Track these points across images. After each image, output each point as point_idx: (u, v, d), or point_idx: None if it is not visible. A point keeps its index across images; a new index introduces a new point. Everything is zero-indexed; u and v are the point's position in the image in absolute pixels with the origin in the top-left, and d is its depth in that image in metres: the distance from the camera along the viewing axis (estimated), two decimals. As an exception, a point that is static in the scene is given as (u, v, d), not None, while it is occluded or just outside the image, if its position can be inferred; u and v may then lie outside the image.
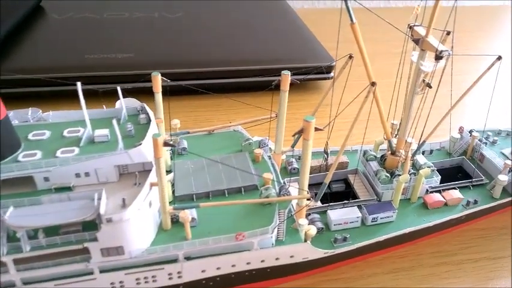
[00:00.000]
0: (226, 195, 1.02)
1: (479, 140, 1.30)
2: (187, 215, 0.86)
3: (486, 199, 1.18)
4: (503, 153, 1.27)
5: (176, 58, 1.81)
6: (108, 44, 1.86)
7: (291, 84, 1.08)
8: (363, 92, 1.00)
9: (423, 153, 1.34)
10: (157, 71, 1.08)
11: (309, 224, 1.04)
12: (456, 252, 1.20)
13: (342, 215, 1.08)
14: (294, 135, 0.95)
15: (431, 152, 1.34)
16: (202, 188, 1.01)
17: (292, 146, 1.24)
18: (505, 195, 1.19)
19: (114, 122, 0.86)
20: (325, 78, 1.96)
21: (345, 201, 1.14)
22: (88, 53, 1.76)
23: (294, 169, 1.26)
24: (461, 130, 1.35)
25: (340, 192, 1.25)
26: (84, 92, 0.90)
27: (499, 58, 1.02)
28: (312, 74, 1.83)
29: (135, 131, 0.95)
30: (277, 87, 1.10)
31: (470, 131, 1.32)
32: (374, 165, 1.18)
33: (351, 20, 0.93)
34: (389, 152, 1.17)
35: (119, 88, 0.95)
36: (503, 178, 1.14)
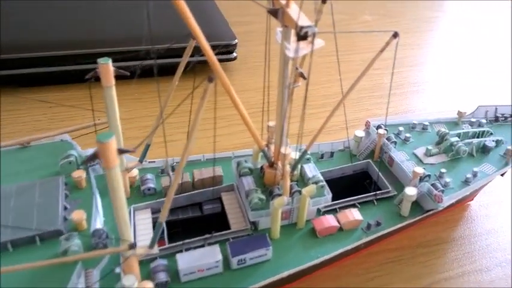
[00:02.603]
0: (10, 250, 0.69)
1: (387, 138, 1.03)
2: None
3: (392, 218, 0.92)
4: (415, 155, 1.01)
5: (31, 39, 1.42)
6: None
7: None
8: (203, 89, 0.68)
9: (322, 156, 1.06)
10: None
11: (150, 277, 0.74)
12: (359, 287, 0.94)
13: (195, 259, 0.78)
14: (84, 164, 0.63)
15: (332, 154, 1.06)
16: (-32, 243, 0.67)
17: (140, 161, 0.91)
18: (417, 211, 0.93)
19: None
20: (227, 60, 1.64)
21: (207, 236, 0.84)
22: None
23: (149, 189, 0.94)
24: (367, 126, 1.08)
25: (215, 216, 0.96)
26: None
27: (395, 35, 0.74)
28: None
29: None
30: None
31: (378, 127, 1.05)
32: (248, 182, 0.88)
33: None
34: (267, 165, 0.88)
35: None
36: (411, 192, 0.88)
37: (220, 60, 1.77)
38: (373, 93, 1.59)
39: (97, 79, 0.77)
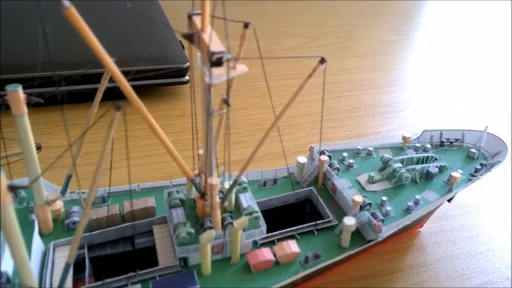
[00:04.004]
0: None
1: (329, 164, 1.00)
2: None
3: (332, 249, 0.87)
4: (358, 182, 0.98)
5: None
6: None
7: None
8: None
9: (265, 184, 1.02)
10: None
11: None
12: (299, 324, 0.89)
13: (109, 302, 0.71)
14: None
15: (275, 181, 1.02)
16: None
17: (62, 192, 0.85)
18: (358, 242, 0.89)
19: None
20: (179, 83, 1.60)
21: (130, 274, 0.77)
22: None
23: (74, 223, 0.88)
24: (311, 151, 1.04)
25: (148, 250, 0.89)
26: None
27: (322, 61, 0.71)
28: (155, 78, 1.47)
29: None
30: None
31: (321, 153, 1.01)
32: (178, 214, 0.83)
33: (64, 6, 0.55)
34: (198, 195, 0.83)
35: None
36: (350, 222, 0.84)
37: (171, 84, 1.73)
38: (327, 116, 1.57)
39: (8, 107, 0.72)
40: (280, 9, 2.75)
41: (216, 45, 0.60)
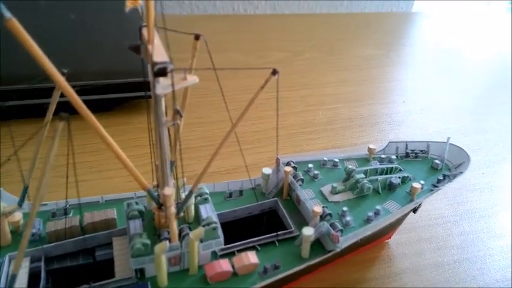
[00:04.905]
0: None
1: (294, 175, 1.00)
2: None
3: (292, 260, 0.87)
4: (321, 193, 0.98)
5: None
6: None
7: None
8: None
9: (230, 195, 1.02)
10: None
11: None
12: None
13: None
14: None
15: (241, 193, 1.02)
16: None
17: (19, 204, 0.85)
18: (319, 252, 0.89)
19: None
20: (143, 97, 1.61)
21: (84, 286, 0.77)
22: None
23: (32, 235, 0.87)
24: (277, 163, 1.05)
25: (109, 262, 0.89)
26: None
27: (274, 73, 0.72)
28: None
29: None
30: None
31: (287, 164, 1.02)
32: (135, 225, 0.83)
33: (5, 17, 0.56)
34: (155, 206, 0.83)
35: None
36: (308, 232, 0.84)
37: (137, 97, 1.73)
38: (304, 129, 1.58)
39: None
40: (265, 24, 2.79)
41: (159, 55, 0.61)
